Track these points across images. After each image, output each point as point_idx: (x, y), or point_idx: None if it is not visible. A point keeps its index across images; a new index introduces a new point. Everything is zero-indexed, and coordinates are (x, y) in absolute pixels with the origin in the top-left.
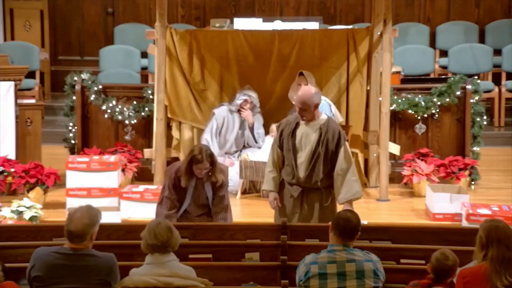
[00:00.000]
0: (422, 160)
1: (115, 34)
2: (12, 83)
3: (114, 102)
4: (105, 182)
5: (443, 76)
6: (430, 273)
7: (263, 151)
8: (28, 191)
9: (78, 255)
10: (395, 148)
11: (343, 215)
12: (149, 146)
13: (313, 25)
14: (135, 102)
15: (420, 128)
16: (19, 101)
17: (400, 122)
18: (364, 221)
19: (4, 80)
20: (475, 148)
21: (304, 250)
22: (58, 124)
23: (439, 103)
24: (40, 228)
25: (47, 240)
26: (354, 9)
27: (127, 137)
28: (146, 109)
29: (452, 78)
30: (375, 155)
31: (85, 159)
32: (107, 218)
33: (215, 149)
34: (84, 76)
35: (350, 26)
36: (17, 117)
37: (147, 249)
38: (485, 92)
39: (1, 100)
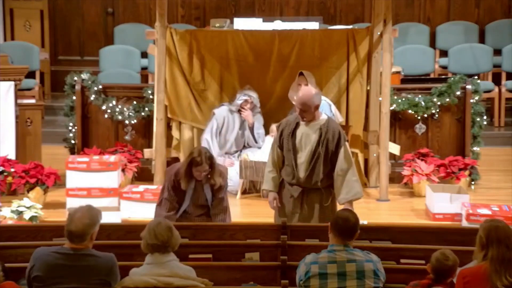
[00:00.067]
0: (422, 160)
1: (115, 34)
2: (12, 83)
3: (114, 102)
4: (105, 182)
5: (443, 76)
6: (430, 273)
7: (263, 151)
8: (28, 191)
9: (78, 255)
10: (395, 148)
11: (341, 214)
12: (149, 146)
13: (313, 25)
14: (135, 102)
15: (420, 128)
16: (19, 101)
17: (400, 122)
18: (364, 221)
19: (4, 80)
20: (475, 148)
21: (304, 250)
22: (58, 124)
23: (439, 103)
24: (40, 228)
25: (47, 240)
26: (354, 9)
27: (127, 137)
28: (146, 109)
29: (452, 78)
30: (375, 155)
31: (85, 159)
32: (107, 218)
33: (215, 149)
34: (84, 76)
35: (350, 26)
36: (17, 117)
37: (147, 249)
38: (485, 92)
39: (1, 100)
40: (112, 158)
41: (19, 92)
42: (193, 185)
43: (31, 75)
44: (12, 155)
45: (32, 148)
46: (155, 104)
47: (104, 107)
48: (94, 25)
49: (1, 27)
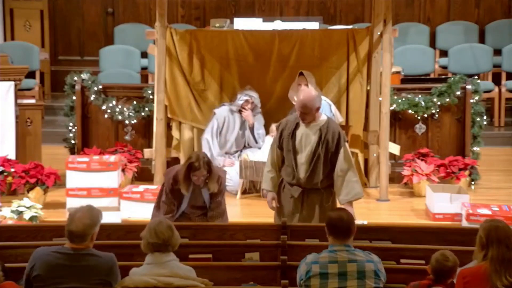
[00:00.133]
0: (422, 160)
1: (115, 34)
2: (12, 83)
3: (114, 102)
4: (105, 182)
5: (443, 76)
6: (430, 274)
7: (263, 151)
8: (28, 191)
9: (79, 255)
10: (395, 148)
11: (334, 214)
12: (149, 146)
13: (313, 25)
14: (135, 102)
15: (420, 128)
16: (19, 101)
17: (400, 122)
18: (364, 221)
19: (4, 80)
20: (475, 148)
21: (304, 250)
22: (58, 124)
23: (439, 103)
24: (40, 228)
25: (47, 240)
26: (354, 9)
27: (127, 137)
28: (146, 109)
29: (452, 78)
30: (375, 155)
31: (85, 159)
32: (107, 218)
33: (215, 149)
34: (84, 76)
35: (350, 26)
36: (17, 117)
37: (148, 248)
38: (485, 92)
39: (1, 100)
40: (112, 158)
41: (19, 92)
42: (191, 189)
43: (31, 75)
44: (12, 155)
45: (32, 148)
46: (155, 104)
47: (104, 107)
48: (94, 25)
49: (1, 27)
